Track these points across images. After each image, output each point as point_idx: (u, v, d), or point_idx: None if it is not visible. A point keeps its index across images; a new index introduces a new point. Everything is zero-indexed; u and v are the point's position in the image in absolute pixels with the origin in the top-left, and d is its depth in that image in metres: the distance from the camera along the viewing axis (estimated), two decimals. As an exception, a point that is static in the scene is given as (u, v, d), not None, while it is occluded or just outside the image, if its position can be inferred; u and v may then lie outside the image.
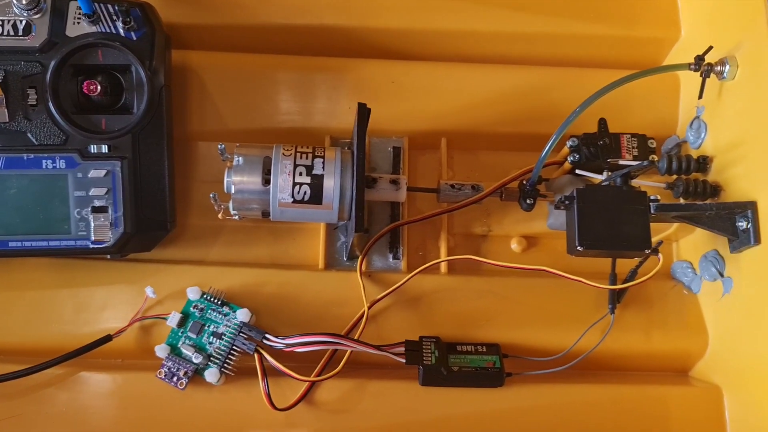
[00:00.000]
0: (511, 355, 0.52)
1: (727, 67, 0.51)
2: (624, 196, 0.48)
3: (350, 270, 0.55)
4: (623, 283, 0.53)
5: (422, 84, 0.58)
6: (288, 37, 0.59)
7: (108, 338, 0.50)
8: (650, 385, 0.52)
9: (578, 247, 0.47)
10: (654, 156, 0.52)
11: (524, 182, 0.54)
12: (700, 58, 0.51)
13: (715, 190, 0.51)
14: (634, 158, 0.52)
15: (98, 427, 0.49)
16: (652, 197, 0.48)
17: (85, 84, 0.49)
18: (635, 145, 0.53)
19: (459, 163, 0.60)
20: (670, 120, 0.59)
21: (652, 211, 0.48)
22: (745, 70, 0.50)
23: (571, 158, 0.53)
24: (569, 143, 0.53)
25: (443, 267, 0.55)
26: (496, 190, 0.53)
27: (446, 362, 0.50)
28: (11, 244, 0.50)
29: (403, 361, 0.50)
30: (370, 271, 0.55)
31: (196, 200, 0.57)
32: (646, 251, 0.47)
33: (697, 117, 0.55)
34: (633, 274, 0.53)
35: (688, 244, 0.57)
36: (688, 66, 0.51)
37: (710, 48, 0.50)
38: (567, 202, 0.49)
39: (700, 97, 0.52)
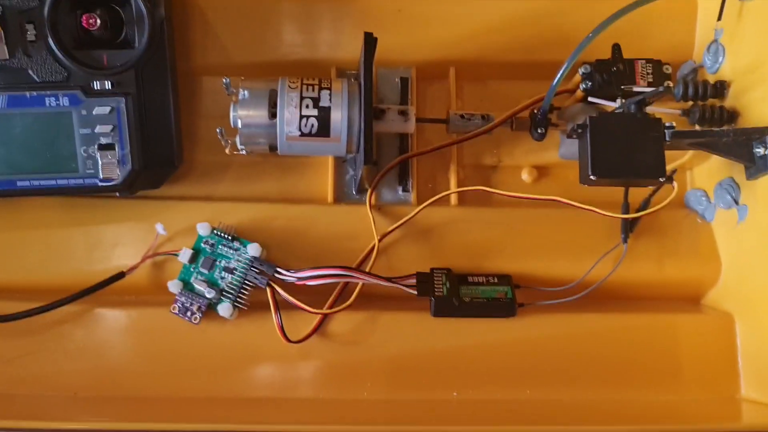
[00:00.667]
0: (522, 285, 0.52)
1: (749, -15, 0.49)
2: (638, 124, 0.47)
3: (359, 203, 0.54)
4: (636, 212, 0.52)
5: (430, 11, 0.56)
6: (291, -35, 0.57)
7: (121, 275, 0.50)
8: (662, 314, 0.52)
9: (591, 176, 0.46)
10: (669, 82, 0.51)
11: (535, 111, 0.52)
12: (720, -23, 0.49)
13: (732, 115, 0.50)
14: (649, 84, 0.51)
15: (115, 361, 0.50)
16: (667, 124, 0.47)
17: (84, 17, 0.47)
18: (650, 71, 0.51)
19: (468, 93, 0.59)
20: (687, 44, 0.57)
21: (667, 139, 0.46)
22: (767, -12, 0.48)
23: (584, 85, 0.51)
24: (581, 70, 0.51)
25: (453, 198, 0.55)
26: (506, 120, 0.52)
27: (458, 293, 0.50)
28: (19, 183, 0.50)
29: (415, 293, 0.50)
30: (379, 204, 0.55)
31: (202, 136, 0.57)
32: (661, 180, 0.46)
33: (715, 40, 0.53)
34: (646, 203, 0.53)
35: (702, 172, 0.56)
36: (707, -15, 0.49)
37: (731, -35, 0.48)
38: (579, 131, 0.48)
39: (719, 18, 0.51)
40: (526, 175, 0.57)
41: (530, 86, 0.56)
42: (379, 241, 0.51)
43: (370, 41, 0.48)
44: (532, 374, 0.50)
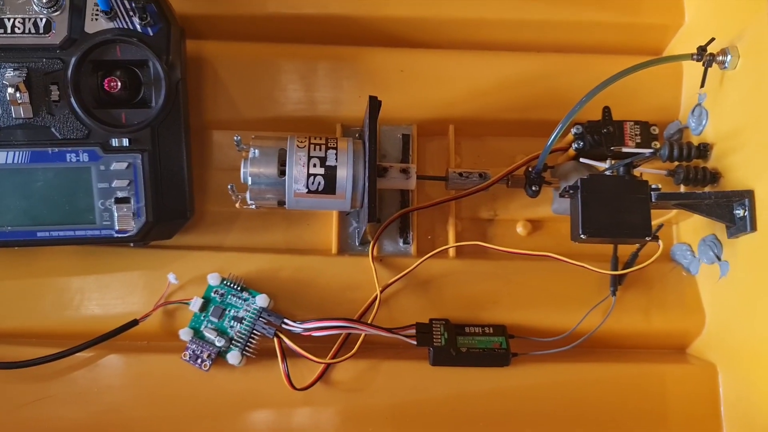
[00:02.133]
0: (516, 335, 0.54)
1: (729, 57, 0.52)
2: (626, 186, 0.50)
3: (362, 255, 0.57)
4: (624, 266, 0.55)
5: (430, 72, 0.60)
6: (299, 27, 0.60)
7: (134, 323, 0.53)
8: (649, 363, 0.55)
9: (581, 235, 0.49)
10: (656, 142, 0.54)
11: (530, 169, 0.56)
12: (702, 49, 0.52)
13: (714, 176, 0.53)
14: (637, 145, 0.54)
15: (127, 406, 0.52)
16: (653, 186, 0.50)
17: (106, 81, 0.50)
18: (638, 132, 0.55)
19: (466, 149, 0.62)
20: (673, 105, 0.60)
21: (653, 200, 0.49)
22: (746, 60, 0.51)
23: (576, 145, 0.54)
24: (574, 131, 0.54)
25: (451, 251, 0.57)
26: (502, 178, 0.55)
27: (455, 343, 0.53)
28: (39, 234, 0.52)
29: (414, 343, 0.52)
30: (381, 256, 0.57)
31: (211, 187, 0.59)
32: (647, 239, 0.49)
33: (699, 104, 0.57)
34: (633, 258, 0.55)
35: (687, 227, 0.59)
36: (690, 56, 0.52)
37: (712, 39, 0.51)
38: (571, 192, 0.51)
39: (702, 86, 0.54)
40: (520, 228, 0.60)
41: (524, 142, 0.60)
42: (381, 292, 0.54)
43: (374, 104, 0.51)
44: (526, 421, 0.53)
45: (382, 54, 0.60)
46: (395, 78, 0.59)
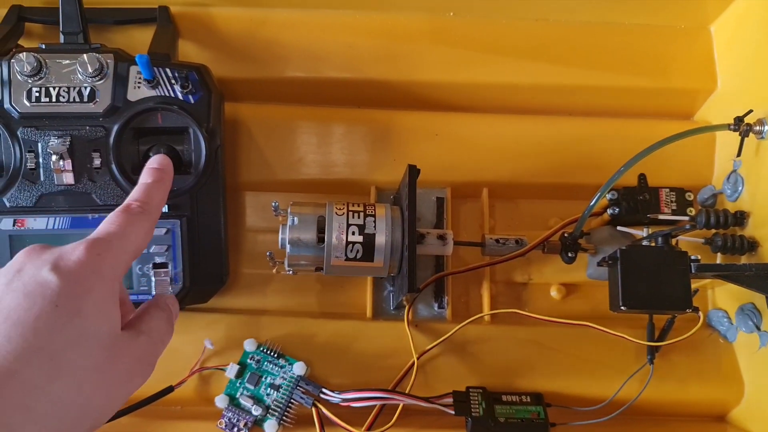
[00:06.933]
0: (553, 404, 0.54)
1: (766, 127, 0.52)
2: (666, 257, 0.50)
3: (397, 319, 0.57)
4: (661, 332, 0.55)
5: (464, 135, 0.60)
6: (334, 90, 0.61)
7: (170, 389, 0.52)
8: (689, 435, 0.54)
9: (621, 307, 0.49)
10: (691, 209, 0.55)
11: (565, 235, 0.56)
12: (739, 119, 0.52)
13: (753, 245, 0.53)
14: (673, 212, 0.55)
15: (163, 475, 0.52)
16: (692, 257, 0.50)
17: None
18: (673, 199, 0.55)
19: (500, 212, 0.62)
20: (706, 170, 0.60)
21: (693, 271, 0.49)
22: (783, 131, 0.51)
23: (611, 211, 0.55)
24: (609, 196, 0.55)
25: (487, 316, 0.57)
26: (539, 245, 0.55)
27: (493, 413, 0.52)
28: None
29: (452, 412, 0.52)
30: (416, 321, 0.57)
31: (245, 249, 0.59)
32: (688, 311, 0.49)
33: (735, 171, 0.57)
34: (669, 325, 0.55)
35: (723, 293, 0.58)
36: (727, 126, 0.53)
37: (750, 111, 0.52)
38: (610, 262, 0.51)
39: (738, 155, 0.54)
40: (554, 292, 0.60)
41: (557, 205, 0.61)
42: (417, 359, 0.54)
43: (413, 173, 0.51)
44: (565, 493, 0.52)
45: (416, 117, 0.61)
46: (429, 141, 0.60)
